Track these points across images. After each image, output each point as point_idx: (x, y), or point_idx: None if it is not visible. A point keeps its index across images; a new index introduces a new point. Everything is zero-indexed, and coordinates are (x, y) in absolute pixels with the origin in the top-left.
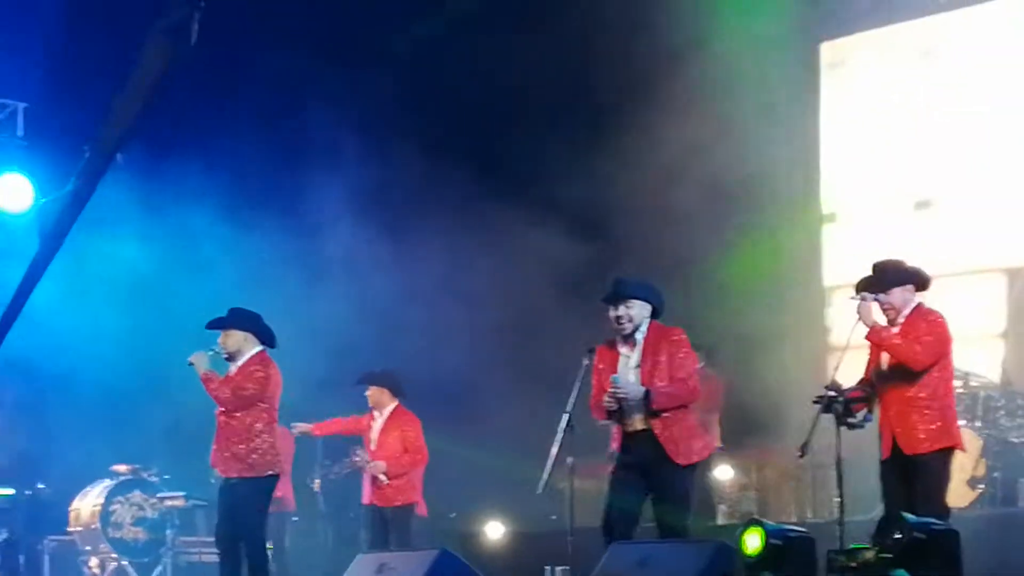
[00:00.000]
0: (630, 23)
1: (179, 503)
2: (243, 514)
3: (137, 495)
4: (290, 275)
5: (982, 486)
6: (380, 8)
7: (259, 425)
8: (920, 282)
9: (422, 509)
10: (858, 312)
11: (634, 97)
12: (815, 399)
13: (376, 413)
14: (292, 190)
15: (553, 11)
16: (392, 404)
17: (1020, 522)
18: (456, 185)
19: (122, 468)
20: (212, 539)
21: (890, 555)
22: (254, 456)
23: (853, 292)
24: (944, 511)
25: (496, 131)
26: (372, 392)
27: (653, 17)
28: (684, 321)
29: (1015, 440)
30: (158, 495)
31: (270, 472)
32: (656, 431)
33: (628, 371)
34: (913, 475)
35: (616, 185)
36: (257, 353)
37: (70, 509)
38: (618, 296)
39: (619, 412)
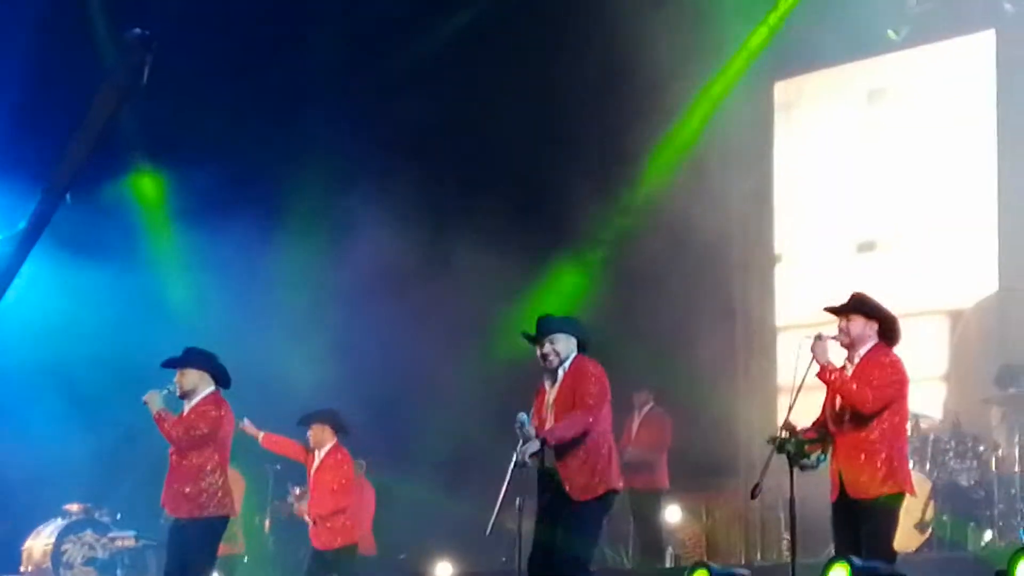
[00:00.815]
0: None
1: (130, 543)
2: (192, 555)
3: (88, 535)
4: (294, 303)
5: (931, 529)
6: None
7: (209, 466)
8: (886, 325)
9: (368, 547)
10: (812, 350)
11: (605, 141)
12: (768, 439)
13: (316, 452)
14: (305, 213)
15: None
16: (331, 442)
17: (969, 566)
18: (474, 220)
19: (74, 507)
20: None
21: None
22: (204, 497)
23: (804, 332)
24: (891, 556)
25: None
26: (314, 431)
27: (627, 57)
28: (635, 359)
29: (964, 483)
30: (109, 535)
31: (220, 513)
32: (558, 467)
33: (548, 409)
34: (860, 518)
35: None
36: (211, 393)
37: (22, 548)
38: (541, 333)
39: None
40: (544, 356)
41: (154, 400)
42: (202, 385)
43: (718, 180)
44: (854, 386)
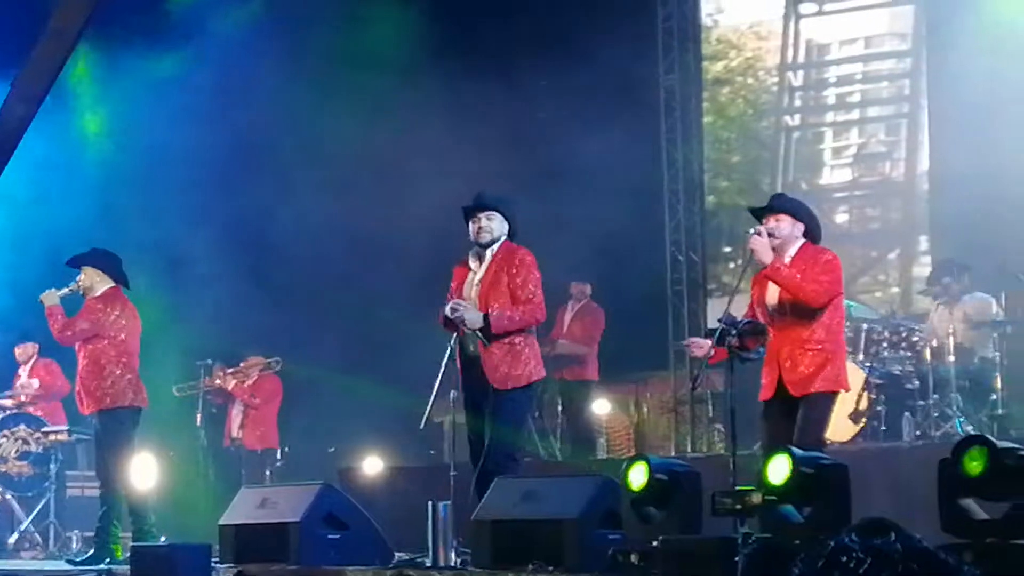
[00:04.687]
0: None
1: (63, 437)
2: (106, 447)
3: (22, 429)
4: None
5: (864, 420)
6: None
7: (104, 359)
8: (811, 225)
9: (272, 441)
10: (754, 247)
11: None
12: (707, 331)
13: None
14: None
15: None
16: None
17: (905, 456)
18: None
19: (7, 402)
20: (93, 473)
21: (777, 495)
22: (102, 390)
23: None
24: (822, 445)
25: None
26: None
27: None
28: (565, 249)
29: (897, 372)
30: (43, 429)
31: (124, 404)
32: (481, 356)
33: (471, 288)
34: (795, 412)
35: None
36: (107, 290)
37: None
38: (479, 206)
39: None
40: (480, 230)
41: (48, 298)
42: (99, 284)
43: None
44: (803, 281)
